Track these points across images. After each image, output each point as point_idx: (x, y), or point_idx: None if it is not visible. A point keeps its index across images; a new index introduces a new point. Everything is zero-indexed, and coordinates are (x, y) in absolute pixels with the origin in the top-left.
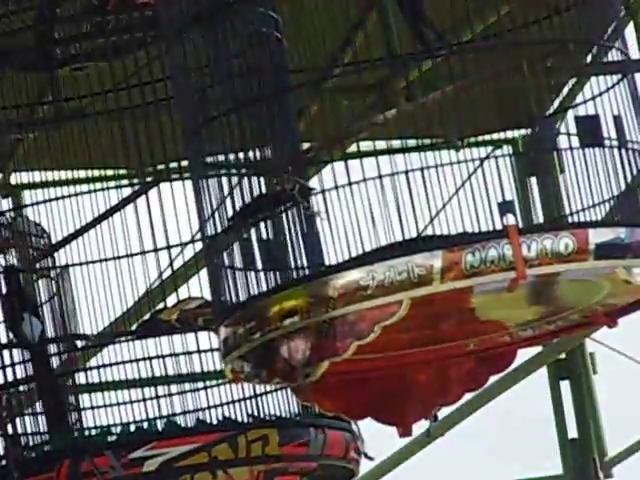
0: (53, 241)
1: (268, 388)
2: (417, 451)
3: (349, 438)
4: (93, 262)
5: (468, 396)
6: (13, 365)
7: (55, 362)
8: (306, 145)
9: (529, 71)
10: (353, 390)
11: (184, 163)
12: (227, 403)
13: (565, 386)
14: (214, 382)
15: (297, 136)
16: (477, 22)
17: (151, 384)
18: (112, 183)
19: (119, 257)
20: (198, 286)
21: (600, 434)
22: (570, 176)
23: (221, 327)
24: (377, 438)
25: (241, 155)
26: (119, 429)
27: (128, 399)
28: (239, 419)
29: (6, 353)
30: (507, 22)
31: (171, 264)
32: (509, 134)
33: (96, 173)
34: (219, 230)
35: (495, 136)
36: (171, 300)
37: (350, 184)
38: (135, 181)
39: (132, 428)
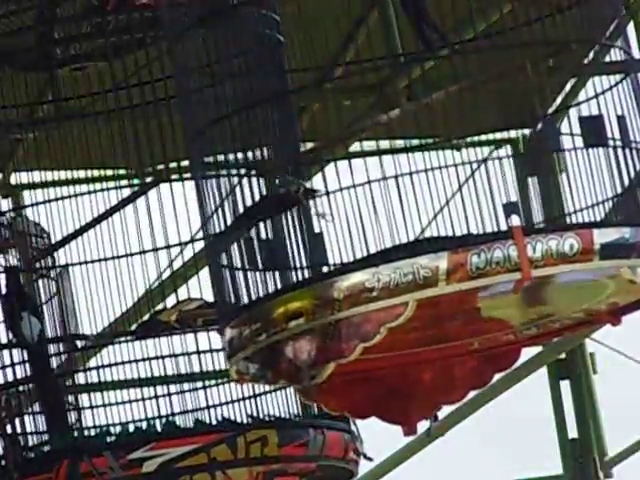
0: (53, 241)
1: (267, 388)
2: (417, 451)
3: (348, 439)
4: (93, 262)
5: (468, 396)
6: (13, 365)
7: (55, 362)
8: (309, 145)
9: (532, 70)
10: (358, 389)
11: (184, 163)
12: (226, 403)
13: (565, 386)
14: (213, 382)
15: (298, 137)
16: (479, 21)
17: (150, 384)
18: (112, 183)
19: (119, 257)
20: (198, 287)
21: (600, 434)
22: (574, 176)
23: (226, 328)
24: (377, 438)
25: (240, 155)
26: (118, 429)
27: (127, 399)
28: (238, 420)
29: (6, 353)
30: (509, 21)
31: (171, 264)
32: (510, 134)
33: (96, 173)
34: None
35: (495, 136)
36: (170, 301)
37: (355, 186)
38: (135, 181)
39: (131, 428)
